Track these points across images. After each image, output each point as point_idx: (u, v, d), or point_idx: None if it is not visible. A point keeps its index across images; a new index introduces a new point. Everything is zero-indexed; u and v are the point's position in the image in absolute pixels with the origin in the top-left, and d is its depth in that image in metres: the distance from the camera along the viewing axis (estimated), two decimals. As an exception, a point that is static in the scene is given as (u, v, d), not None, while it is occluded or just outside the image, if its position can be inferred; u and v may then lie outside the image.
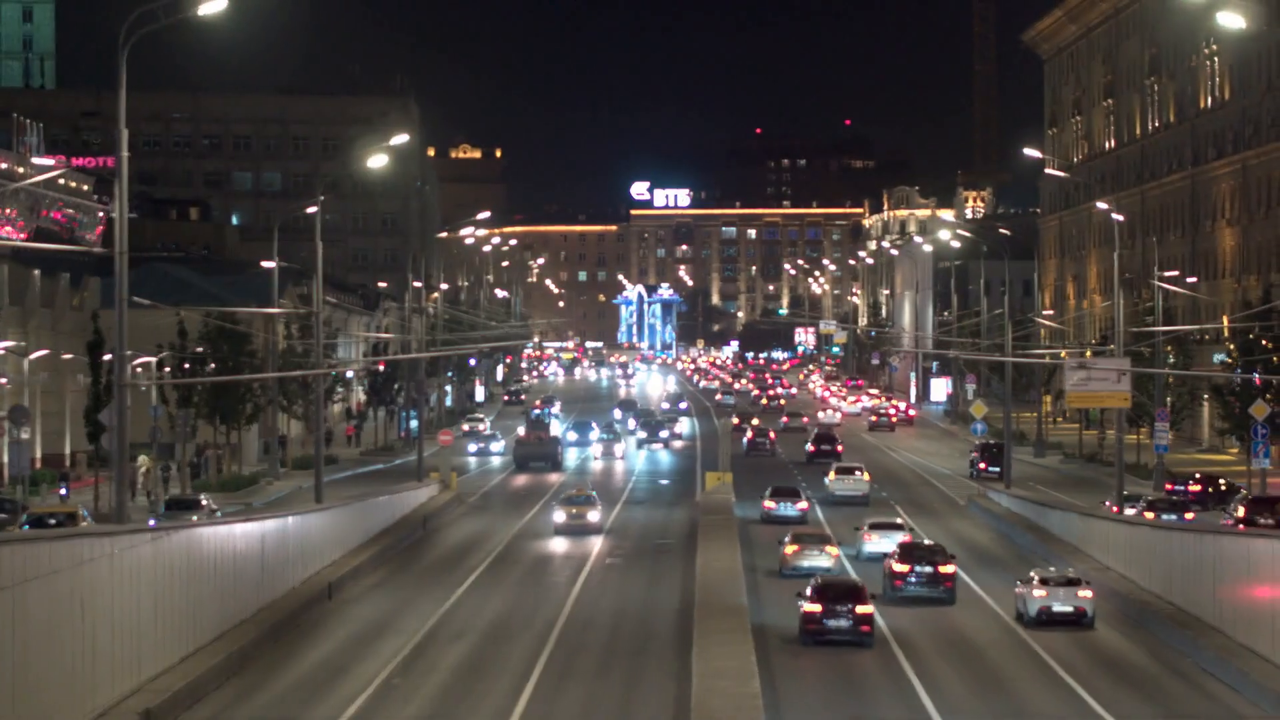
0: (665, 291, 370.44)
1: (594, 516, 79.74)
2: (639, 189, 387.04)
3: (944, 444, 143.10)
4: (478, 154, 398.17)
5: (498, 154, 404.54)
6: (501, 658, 50.90)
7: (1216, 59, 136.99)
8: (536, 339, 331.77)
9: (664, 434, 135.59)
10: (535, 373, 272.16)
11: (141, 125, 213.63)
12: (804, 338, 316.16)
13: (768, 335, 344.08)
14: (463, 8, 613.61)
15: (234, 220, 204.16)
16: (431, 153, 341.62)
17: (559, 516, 79.80)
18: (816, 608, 51.94)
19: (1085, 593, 55.77)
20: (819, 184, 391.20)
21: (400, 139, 79.87)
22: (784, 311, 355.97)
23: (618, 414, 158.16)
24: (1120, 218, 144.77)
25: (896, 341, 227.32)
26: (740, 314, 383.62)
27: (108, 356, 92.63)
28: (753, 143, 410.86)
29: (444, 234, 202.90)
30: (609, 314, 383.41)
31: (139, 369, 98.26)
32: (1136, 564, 62.64)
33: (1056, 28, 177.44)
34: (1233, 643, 49.86)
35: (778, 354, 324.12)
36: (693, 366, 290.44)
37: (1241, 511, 77.72)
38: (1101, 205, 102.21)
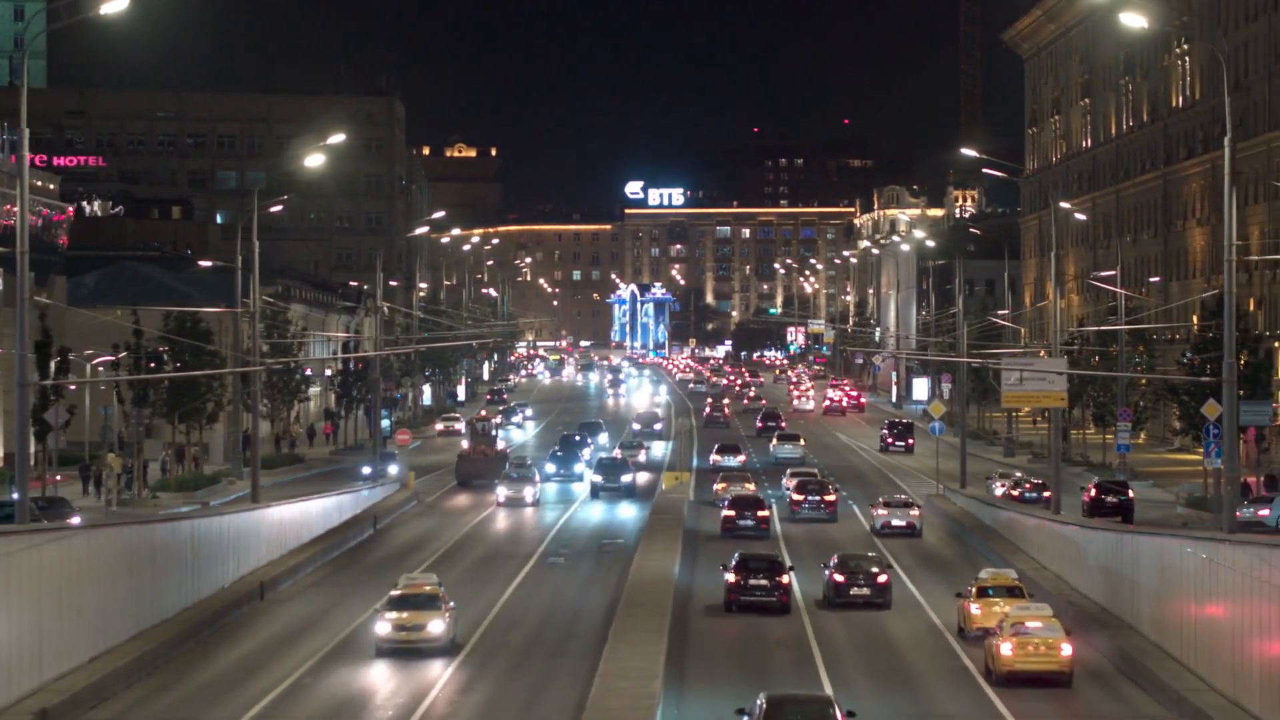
0: (659, 291, 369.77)
1: (436, 627, 51.10)
2: (633, 188, 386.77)
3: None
4: (472, 153, 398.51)
5: (492, 153, 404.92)
6: (419, 657, 50.97)
7: (1187, 59, 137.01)
8: (530, 338, 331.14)
9: (626, 478, 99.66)
10: (524, 372, 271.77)
11: (126, 124, 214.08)
12: (795, 337, 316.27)
13: (761, 335, 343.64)
14: (459, 7, 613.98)
15: (219, 219, 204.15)
16: (426, 151, 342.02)
17: (381, 628, 51.32)
18: (731, 513, 79.14)
19: (914, 512, 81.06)
20: (817, 184, 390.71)
21: (337, 138, 79.62)
22: (775, 311, 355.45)
23: (575, 440, 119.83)
24: (1083, 217, 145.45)
25: (874, 341, 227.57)
26: (734, 313, 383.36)
27: (79, 355, 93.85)
28: (750, 142, 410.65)
29: (412, 233, 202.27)
30: (603, 313, 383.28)
31: (101, 368, 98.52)
32: (1068, 564, 62.83)
33: (1036, 27, 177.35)
34: (1147, 642, 49.98)
35: (771, 353, 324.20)
36: (682, 365, 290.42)
37: (1093, 492, 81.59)
38: (1064, 205, 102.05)
